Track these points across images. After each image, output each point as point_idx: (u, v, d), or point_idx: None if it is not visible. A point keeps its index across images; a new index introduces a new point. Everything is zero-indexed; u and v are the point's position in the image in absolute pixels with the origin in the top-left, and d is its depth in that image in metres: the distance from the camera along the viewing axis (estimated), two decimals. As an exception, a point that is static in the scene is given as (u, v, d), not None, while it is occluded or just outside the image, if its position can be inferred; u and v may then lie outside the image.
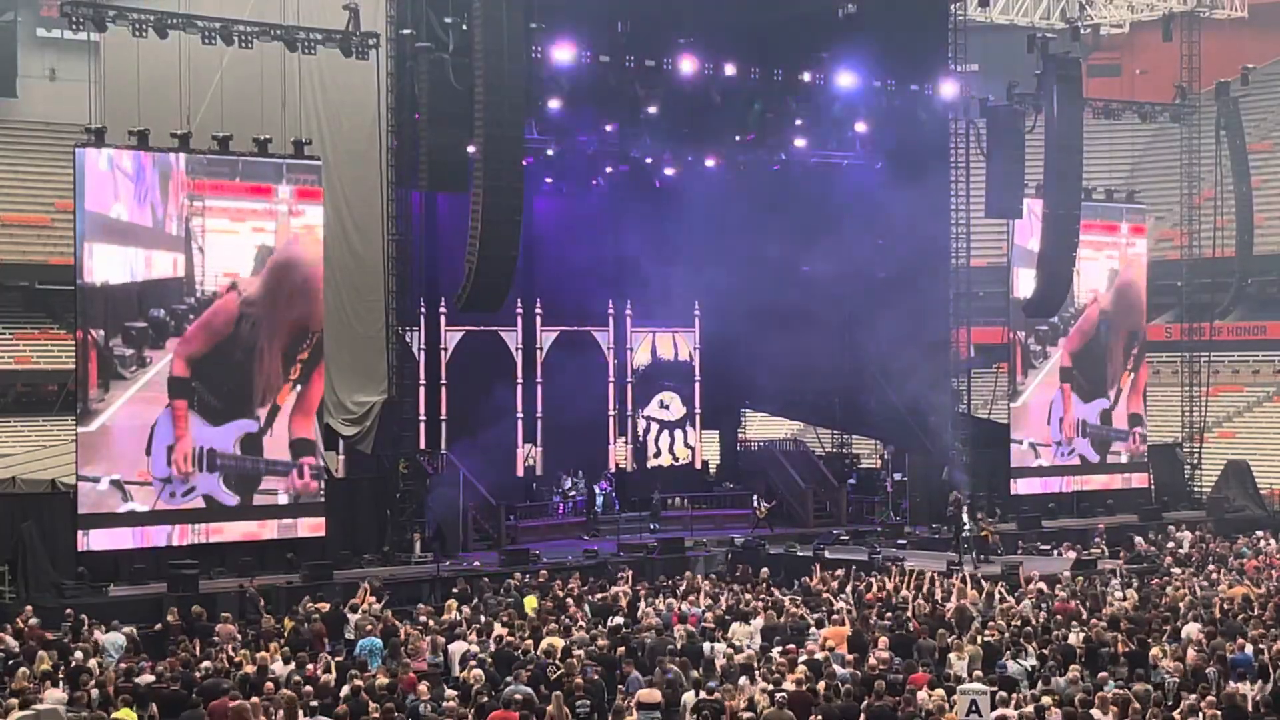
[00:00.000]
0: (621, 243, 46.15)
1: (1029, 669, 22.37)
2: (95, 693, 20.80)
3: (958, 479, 42.65)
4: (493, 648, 24.44)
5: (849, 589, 30.95)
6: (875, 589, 30.53)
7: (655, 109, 40.60)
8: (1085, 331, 47.83)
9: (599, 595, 30.74)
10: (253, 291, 34.67)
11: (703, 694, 20.11)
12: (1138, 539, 40.74)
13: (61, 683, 21.54)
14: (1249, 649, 22.84)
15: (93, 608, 28.80)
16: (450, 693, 20.88)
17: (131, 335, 33.15)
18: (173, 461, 33.60)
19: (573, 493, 43.70)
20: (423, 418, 40.15)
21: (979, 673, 21.93)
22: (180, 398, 33.70)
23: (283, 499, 35.05)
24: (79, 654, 24.16)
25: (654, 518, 43.28)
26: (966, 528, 36.72)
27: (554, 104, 39.47)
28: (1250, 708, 19.82)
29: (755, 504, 43.73)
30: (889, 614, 27.29)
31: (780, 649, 23.95)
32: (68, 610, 28.23)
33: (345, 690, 20.50)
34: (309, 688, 20.54)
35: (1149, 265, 50.17)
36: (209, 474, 34.12)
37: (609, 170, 45.73)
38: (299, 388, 35.23)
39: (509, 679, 21.29)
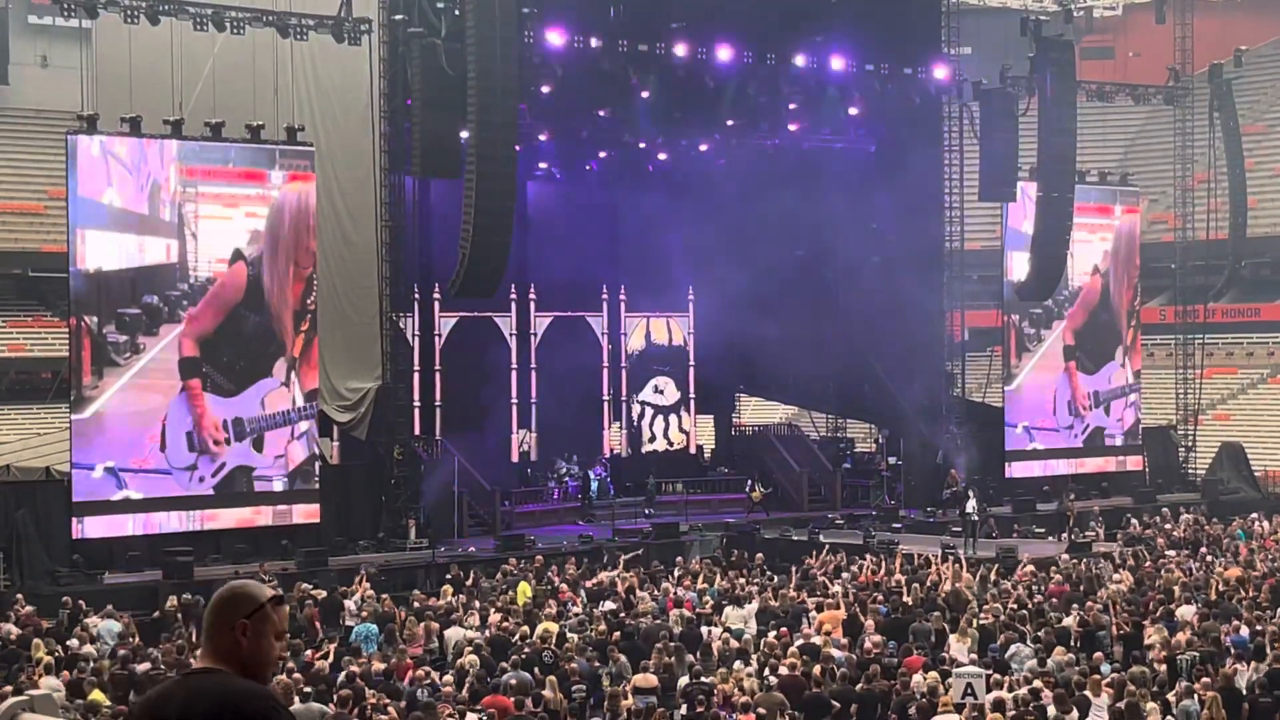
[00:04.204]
0: (615, 228, 46.15)
1: (1026, 651, 22.40)
2: (92, 679, 20.81)
3: (953, 463, 42.67)
4: (488, 633, 24.46)
5: (845, 574, 30.97)
6: (867, 572, 30.56)
7: (648, 93, 40.53)
8: (1089, 304, 47.80)
9: (593, 581, 30.76)
10: (257, 250, 34.67)
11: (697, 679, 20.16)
12: (1132, 521, 40.78)
13: (59, 670, 21.54)
14: (1244, 630, 22.88)
15: (87, 595, 28.80)
16: (446, 678, 20.89)
17: (125, 322, 33.11)
18: (199, 442, 33.66)
19: (567, 477, 43.70)
20: (417, 404, 40.15)
21: (974, 655, 21.98)
22: (193, 377, 33.73)
23: (278, 485, 35.06)
24: (74, 641, 24.18)
25: (649, 503, 43.29)
26: (970, 510, 36.73)
27: (547, 89, 39.40)
28: (1246, 689, 19.87)
29: (749, 488, 43.73)
30: (880, 596, 27.30)
31: (774, 633, 23.98)
32: (64, 598, 28.22)
33: (341, 677, 20.52)
34: (299, 675, 20.52)
35: (1142, 248, 50.22)
36: (240, 443, 34.25)
37: (602, 155, 45.69)
38: (306, 335, 35.35)
39: (504, 665, 21.31)
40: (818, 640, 22.91)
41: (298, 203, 35.17)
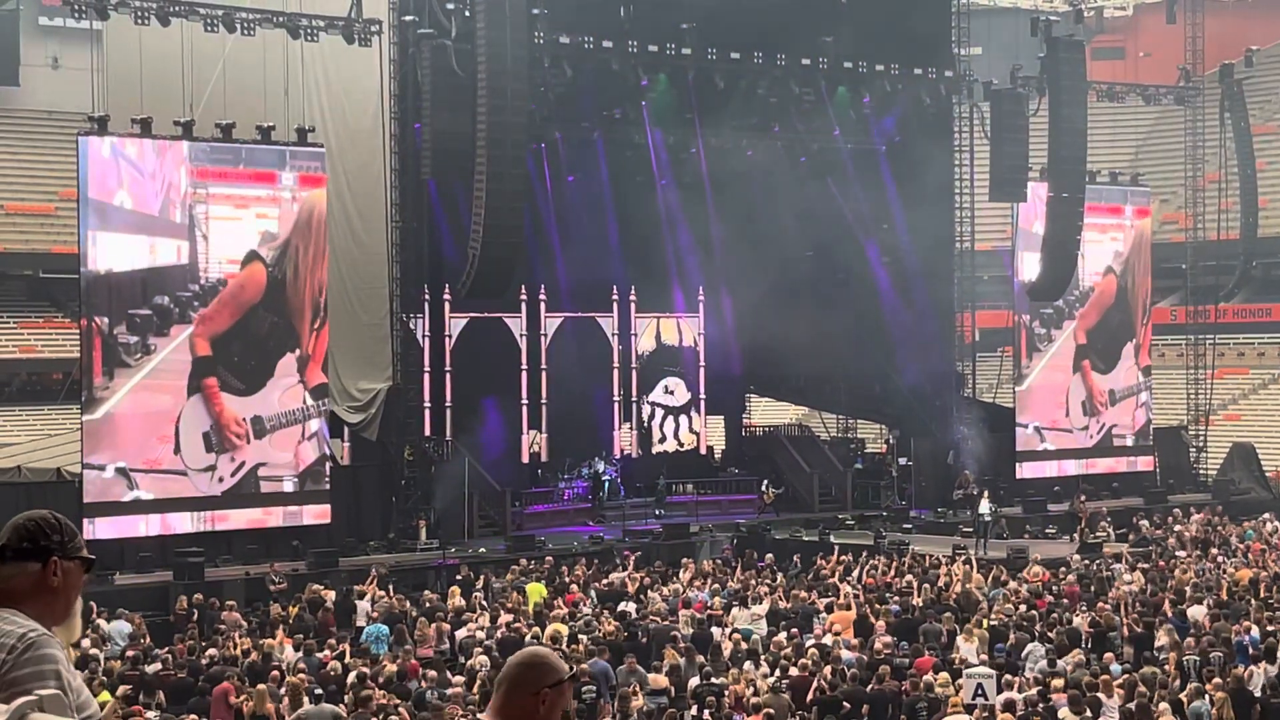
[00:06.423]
0: (625, 228, 46.07)
1: (1040, 651, 22.37)
2: (103, 680, 20.85)
3: (964, 463, 42.61)
4: (498, 634, 24.46)
5: (855, 574, 30.97)
6: (880, 573, 30.54)
7: (658, 94, 40.51)
8: (1102, 304, 47.72)
9: (604, 581, 30.76)
10: (273, 250, 34.69)
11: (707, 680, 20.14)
12: (1143, 522, 40.71)
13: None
14: (1255, 631, 22.83)
15: (98, 596, 28.80)
16: (456, 679, 20.90)
17: (136, 323, 33.14)
18: (218, 441, 33.66)
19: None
20: (427, 404, 40.14)
21: (984, 656, 21.96)
22: (209, 376, 33.76)
23: (289, 486, 35.07)
24: (85, 642, 24.19)
25: (659, 503, 43.23)
26: (983, 512, 36.68)
27: (557, 89, 39.38)
28: (1259, 690, 19.83)
29: (763, 488, 43.68)
30: (894, 598, 27.29)
31: (785, 634, 23.96)
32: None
33: (351, 677, 20.52)
34: (304, 675, 20.52)
35: (1153, 247, 50.15)
36: (259, 440, 34.26)
37: (613, 156, 45.63)
38: (318, 332, 35.38)
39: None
40: (828, 641, 22.91)
41: (310, 201, 35.22)
